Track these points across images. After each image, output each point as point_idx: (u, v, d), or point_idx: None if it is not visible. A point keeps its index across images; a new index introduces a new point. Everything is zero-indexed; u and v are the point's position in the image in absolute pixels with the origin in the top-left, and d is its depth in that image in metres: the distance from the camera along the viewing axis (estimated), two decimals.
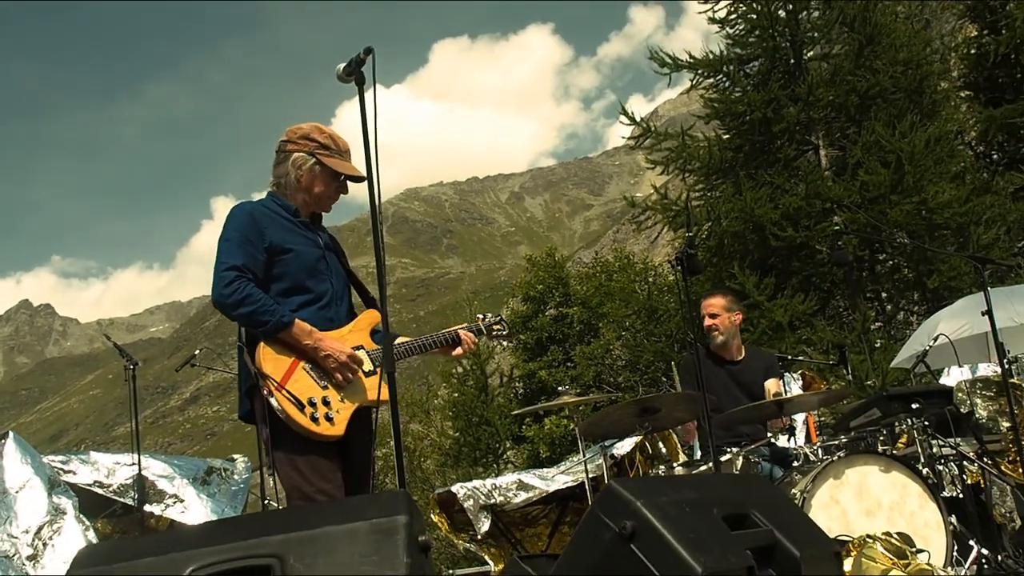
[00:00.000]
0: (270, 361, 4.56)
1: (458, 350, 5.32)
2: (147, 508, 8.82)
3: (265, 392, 4.50)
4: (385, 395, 4.59)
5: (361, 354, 4.81)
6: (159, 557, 2.87)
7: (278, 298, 4.71)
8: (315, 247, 4.94)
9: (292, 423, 4.45)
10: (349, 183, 4.99)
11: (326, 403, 4.55)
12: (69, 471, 8.49)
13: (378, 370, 4.82)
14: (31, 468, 6.62)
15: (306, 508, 3.97)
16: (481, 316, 5.79)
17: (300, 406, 4.46)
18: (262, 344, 4.59)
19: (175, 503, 8.98)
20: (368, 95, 4.26)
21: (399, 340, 5.06)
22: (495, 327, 5.74)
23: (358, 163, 4.50)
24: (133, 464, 8.71)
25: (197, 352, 10.29)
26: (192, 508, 9.03)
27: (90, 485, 8.56)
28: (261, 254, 4.71)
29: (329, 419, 4.53)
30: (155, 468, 9.16)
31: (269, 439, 4.61)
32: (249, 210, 4.82)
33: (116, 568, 2.88)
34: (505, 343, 6.54)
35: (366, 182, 4.28)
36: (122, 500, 8.68)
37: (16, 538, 6.25)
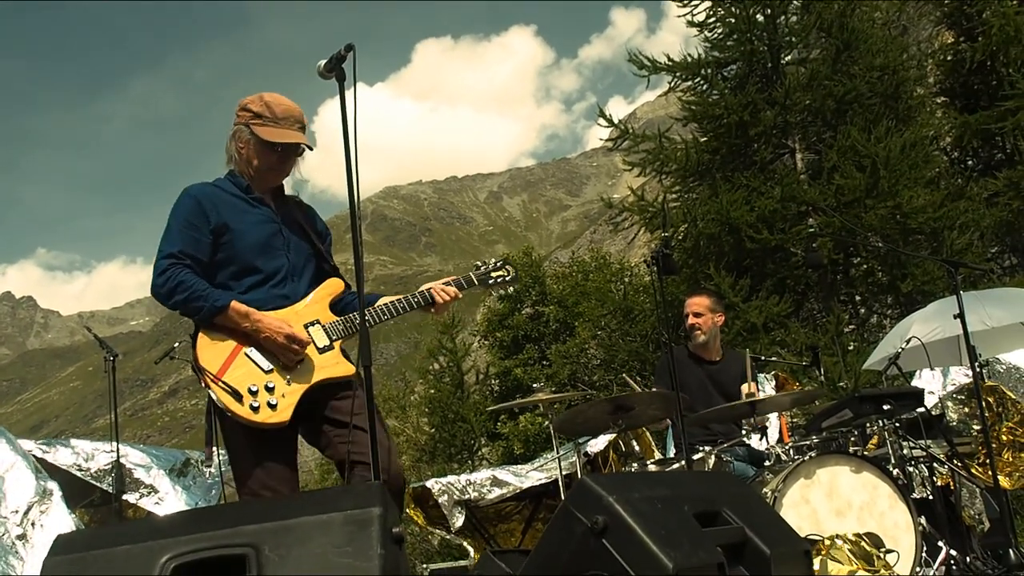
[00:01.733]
0: (207, 350, 4.39)
1: (435, 308, 4.95)
2: (123, 496, 8.80)
3: (203, 385, 4.33)
4: (338, 372, 4.48)
5: (315, 330, 4.58)
6: (135, 545, 2.87)
7: (229, 281, 4.57)
8: (268, 222, 4.72)
9: (233, 415, 4.28)
10: (306, 148, 4.78)
11: (269, 389, 4.33)
12: (49, 451, 8.50)
13: (335, 344, 4.61)
14: (17, 453, 6.59)
15: (281, 499, 3.94)
16: (478, 264, 5.34)
17: (238, 397, 4.27)
18: (200, 333, 4.44)
19: (150, 493, 8.96)
20: (348, 92, 4.19)
21: (380, 302, 4.84)
22: (494, 274, 5.27)
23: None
24: (112, 451, 8.70)
25: (176, 345, 10.19)
26: (167, 499, 9.02)
27: (69, 467, 8.55)
28: (206, 237, 4.55)
29: (271, 406, 4.30)
30: (133, 457, 9.15)
31: (214, 433, 4.48)
32: (194, 193, 4.64)
33: (93, 555, 2.88)
34: (511, 289, 5.68)
35: (346, 179, 4.14)
36: (100, 486, 8.67)
37: (6, 518, 6.23)
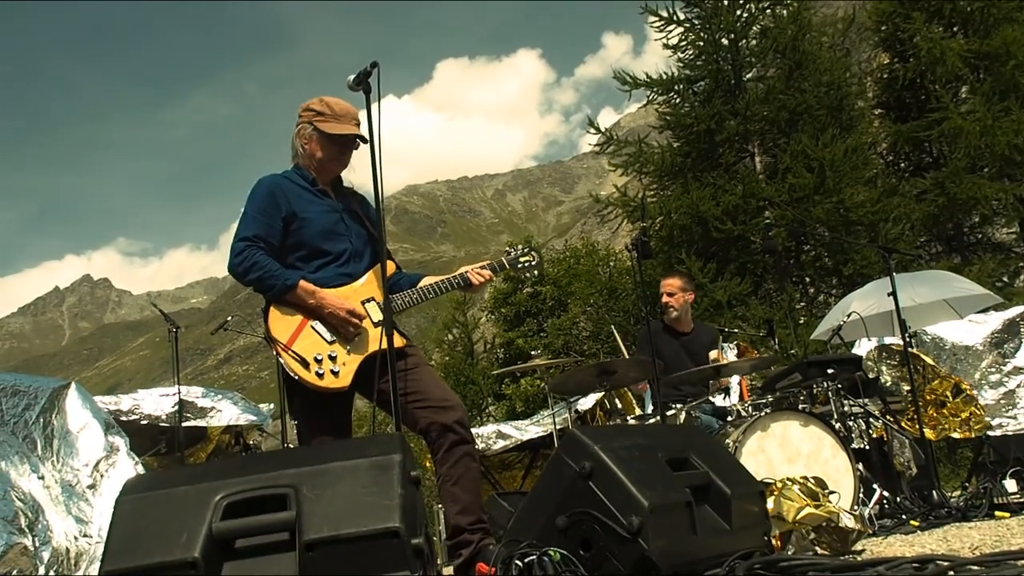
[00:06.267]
0: (278, 322, 4.31)
1: (471, 288, 4.81)
2: (193, 423, 8.98)
3: (275, 353, 4.27)
4: (386, 344, 4.17)
5: (370, 306, 4.46)
6: (193, 486, 2.88)
7: (299, 262, 4.44)
8: (331, 211, 4.57)
9: (301, 380, 4.18)
10: (360, 142, 4.59)
11: (332, 358, 4.24)
12: (125, 411, 8.61)
13: None
14: (90, 412, 6.57)
15: (316, 448, 3.93)
16: (508, 250, 5.18)
17: (305, 364, 4.18)
18: (272, 308, 4.34)
19: (213, 413, 9.15)
20: (373, 103, 4.16)
21: (424, 282, 4.73)
22: (522, 259, 5.09)
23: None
24: (175, 394, 8.83)
25: (229, 319, 10.25)
26: (225, 412, 9.23)
27: (143, 419, 8.69)
28: (278, 223, 4.41)
29: (334, 372, 4.22)
30: (193, 392, 9.31)
31: (285, 394, 4.47)
32: (268, 184, 4.52)
33: (158, 494, 2.89)
34: (536, 272, 5.18)
35: (371, 178, 4.12)
36: (168, 424, 8.81)
37: (78, 471, 6.21)
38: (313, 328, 4.32)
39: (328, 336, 4.31)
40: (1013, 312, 9.27)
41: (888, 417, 7.66)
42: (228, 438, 9.67)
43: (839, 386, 6.92)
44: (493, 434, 9.68)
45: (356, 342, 4.35)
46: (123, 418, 8.35)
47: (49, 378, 6.58)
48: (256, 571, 2.74)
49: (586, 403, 9.40)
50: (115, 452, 6.49)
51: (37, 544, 5.49)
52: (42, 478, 5.94)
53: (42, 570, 5.40)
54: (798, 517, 4.64)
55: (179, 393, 8.84)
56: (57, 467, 6.13)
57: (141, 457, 7.03)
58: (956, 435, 8.39)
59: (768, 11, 18.25)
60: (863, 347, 9.42)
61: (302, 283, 4.32)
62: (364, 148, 4.27)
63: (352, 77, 4.14)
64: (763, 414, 6.08)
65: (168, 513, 2.81)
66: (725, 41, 17.85)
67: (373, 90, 4.12)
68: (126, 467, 6.43)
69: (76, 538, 5.78)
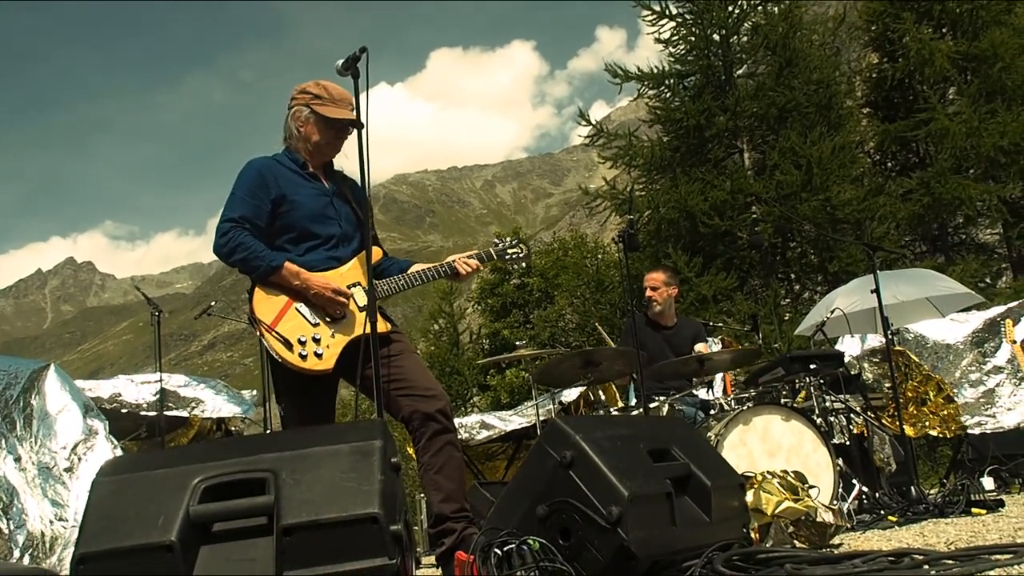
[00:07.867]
0: (262, 303, 4.26)
1: (459, 277, 4.78)
2: (175, 413, 8.90)
3: (258, 334, 4.24)
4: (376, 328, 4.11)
5: (356, 291, 4.40)
6: (172, 469, 2.86)
7: (287, 245, 4.40)
8: (321, 195, 4.52)
9: (284, 361, 4.14)
10: (353, 128, 4.40)
11: (316, 340, 4.20)
12: (105, 399, 8.55)
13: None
14: (69, 395, 6.54)
15: (297, 432, 3.92)
16: (496, 241, 5.07)
17: (289, 345, 4.13)
18: (256, 289, 4.29)
19: (196, 404, 9.06)
20: (362, 89, 4.12)
21: (413, 269, 4.69)
22: (510, 251, 5.00)
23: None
24: (157, 381, 8.74)
25: (213, 304, 10.18)
26: (208, 403, 9.12)
27: (119, 407, 8.61)
28: (266, 205, 4.36)
29: (318, 355, 4.17)
30: (176, 380, 9.24)
31: (269, 374, 4.42)
32: (257, 166, 4.48)
33: (135, 477, 2.87)
34: (524, 265, 5.10)
35: (358, 165, 4.05)
36: (150, 413, 8.72)
37: (56, 453, 6.19)
38: (298, 310, 4.27)
39: (312, 318, 4.27)
40: (994, 312, 9.33)
41: (869, 413, 7.69)
42: (210, 424, 9.60)
43: (821, 382, 6.94)
44: (477, 424, 9.67)
45: (341, 325, 4.30)
46: (103, 406, 8.25)
47: (28, 359, 6.56)
48: (233, 555, 2.73)
49: (570, 395, 9.41)
50: (93, 435, 6.47)
51: (12, 527, 5.48)
52: (18, 460, 5.93)
53: (17, 553, 5.39)
54: (777, 510, 4.66)
55: (161, 381, 8.77)
56: (35, 448, 6.11)
57: (121, 441, 7.01)
58: (934, 433, 8.45)
59: (759, 8, 18.32)
60: (846, 343, 9.45)
61: (287, 264, 4.28)
62: (353, 135, 4.24)
63: (341, 62, 4.10)
64: (745, 408, 6.10)
65: (145, 495, 2.79)
66: (716, 37, 17.92)
67: (362, 75, 4.10)
68: (104, 450, 6.41)
69: (51, 522, 5.77)
